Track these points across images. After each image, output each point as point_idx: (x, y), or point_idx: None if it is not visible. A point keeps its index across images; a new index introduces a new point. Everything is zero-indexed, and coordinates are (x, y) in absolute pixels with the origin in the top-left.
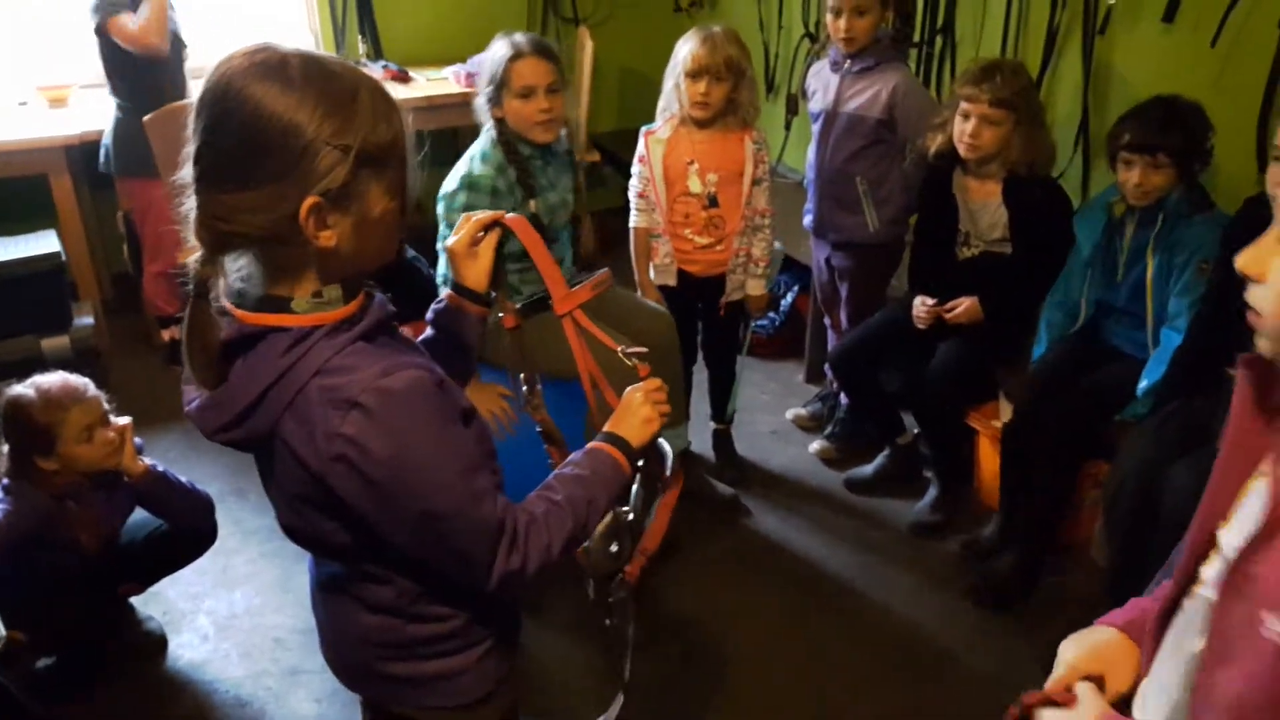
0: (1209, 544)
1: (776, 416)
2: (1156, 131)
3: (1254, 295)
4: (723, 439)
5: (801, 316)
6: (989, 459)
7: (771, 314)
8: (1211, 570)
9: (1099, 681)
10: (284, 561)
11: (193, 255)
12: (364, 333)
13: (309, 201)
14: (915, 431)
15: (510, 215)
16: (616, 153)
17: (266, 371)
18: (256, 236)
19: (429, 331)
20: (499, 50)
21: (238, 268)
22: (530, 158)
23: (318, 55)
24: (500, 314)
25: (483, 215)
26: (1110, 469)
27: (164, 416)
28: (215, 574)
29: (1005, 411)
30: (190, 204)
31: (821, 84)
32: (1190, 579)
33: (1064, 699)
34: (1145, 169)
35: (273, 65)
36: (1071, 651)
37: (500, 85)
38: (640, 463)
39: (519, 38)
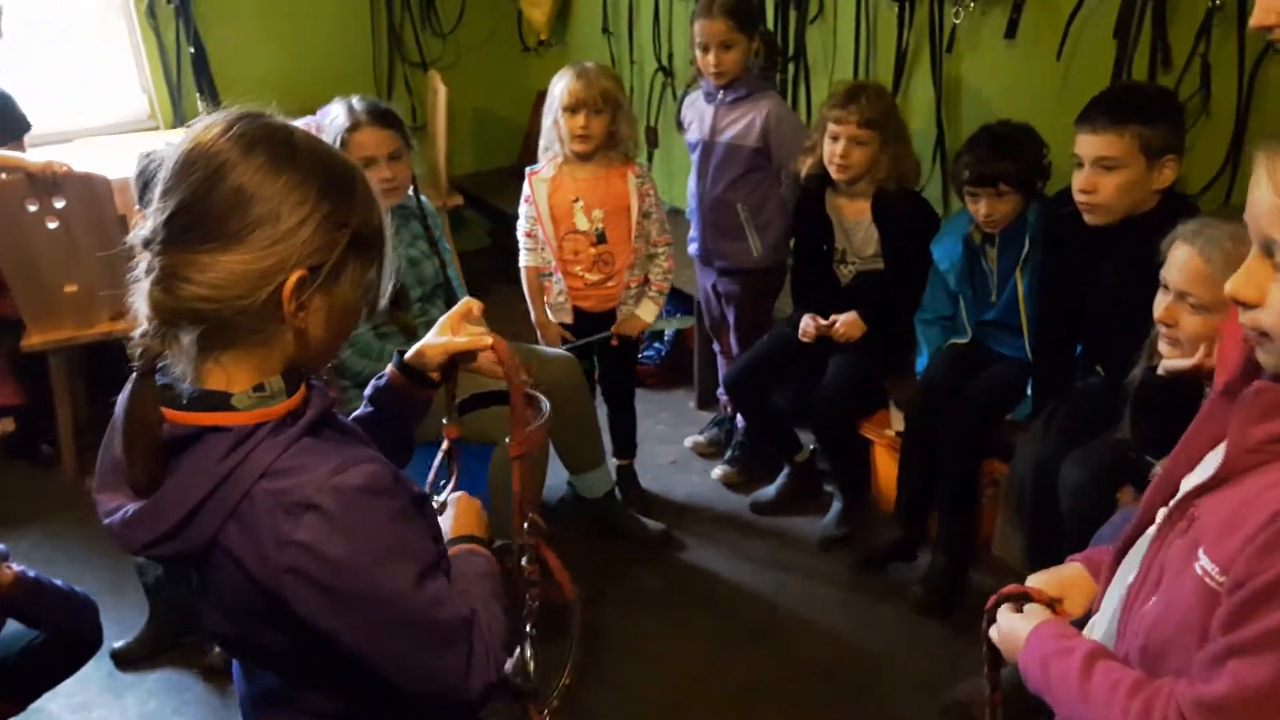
0: (1171, 493)
1: (675, 446)
2: (992, 162)
3: (1253, 318)
4: (626, 474)
5: (687, 345)
6: (885, 467)
7: (657, 344)
8: (1164, 512)
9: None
10: (174, 660)
11: (136, 328)
12: (309, 426)
13: (297, 274)
14: (812, 448)
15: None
16: (478, 195)
17: (205, 477)
18: (223, 306)
19: (365, 409)
20: (338, 119)
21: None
22: None
23: (314, 135)
24: (445, 420)
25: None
26: (1009, 469)
27: (20, 517)
28: (100, 680)
29: (896, 420)
30: (141, 267)
31: (697, 115)
32: (1148, 522)
33: (1035, 594)
34: (990, 199)
35: (276, 132)
36: (1037, 578)
37: None
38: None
39: (357, 105)
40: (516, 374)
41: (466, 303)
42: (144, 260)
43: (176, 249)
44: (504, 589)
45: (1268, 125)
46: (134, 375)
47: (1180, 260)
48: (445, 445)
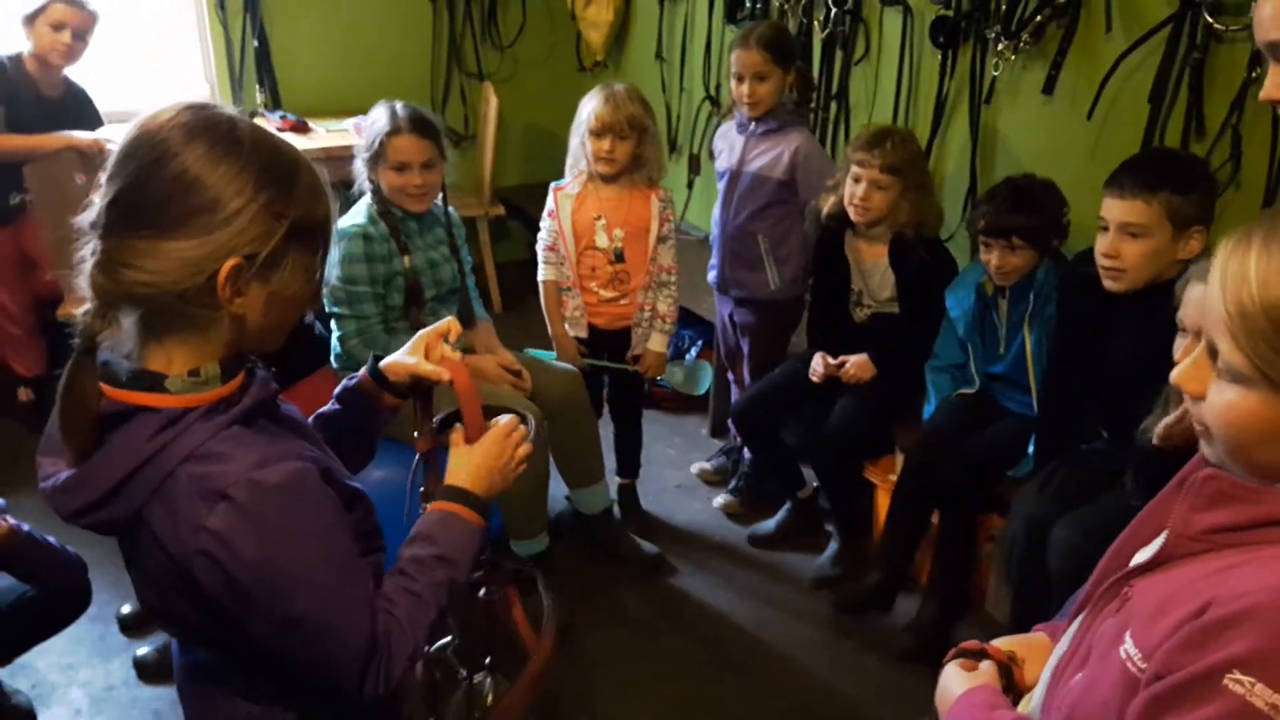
0: (1123, 565)
1: (682, 471)
2: (1008, 214)
3: (1198, 411)
4: (628, 494)
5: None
6: (886, 512)
7: (673, 367)
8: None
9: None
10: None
11: (80, 307)
12: (242, 415)
13: (232, 262)
14: (815, 485)
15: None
16: (521, 206)
17: (133, 454)
18: (160, 291)
19: (333, 405)
20: (379, 121)
21: (107, 340)
22: (403, 219)
23: (260, 127)
24: (415, 433)
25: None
26: (1004, 526)
27: (31, 481)
28: (91, 642)
29: (898, 466)
30: (87, 250)
31: (728, 144)
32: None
33: (992, 651)
34: (1003, 251)
35: (220, 123)
36: (1001, 641)
37: (376, 155)
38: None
39: (400, 110)
40: (474, 404)
41: (447, 323)
42: (89, 243)
43: (117, 234)
44: (469, 565)
45: None
46: (74, 353)
47: (1197, 299)
48: (416, 458)
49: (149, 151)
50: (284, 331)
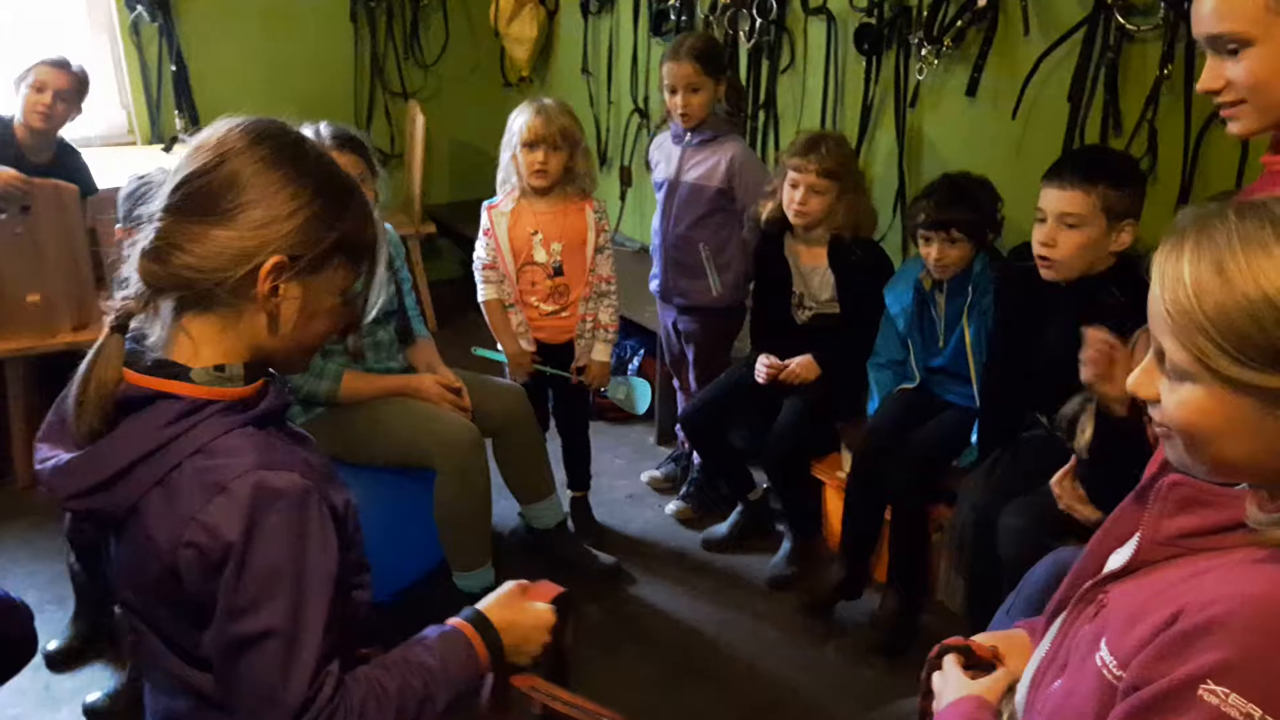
0: (1098, 568)
1: (631, 480)
2: (947, 208)
3: (1156, 414)
4: (580, 506)
5: (648, 379)
6: (836, 508)
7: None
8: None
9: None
10: (117, 674)
11: (124, 290)
12: (258, 418)
13: (276, 258)
14: (765, 487)
15: None
16: (451, 224)
17: (145, 439)
18: (205, 277)
19: None
20: None
21: (134, 326)
22: None
23: (328, 152)
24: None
25: None
26: (952, 515)
27: None
28: (36, 693)
29: (846, 462)
30: (141, 236)
31: (664, 155)
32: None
33: (975, 647)
34: (941, 244)
35: (288, 137)
36: (983, 637)
37: None
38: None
39: (323, 129)
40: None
41: None
42: (144, 232)
43: (174, 218)
44: (448, 696)
45: (1211, 190)
46: (106, 329)
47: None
48: None
49: (218, 146)
50: (309, 352)
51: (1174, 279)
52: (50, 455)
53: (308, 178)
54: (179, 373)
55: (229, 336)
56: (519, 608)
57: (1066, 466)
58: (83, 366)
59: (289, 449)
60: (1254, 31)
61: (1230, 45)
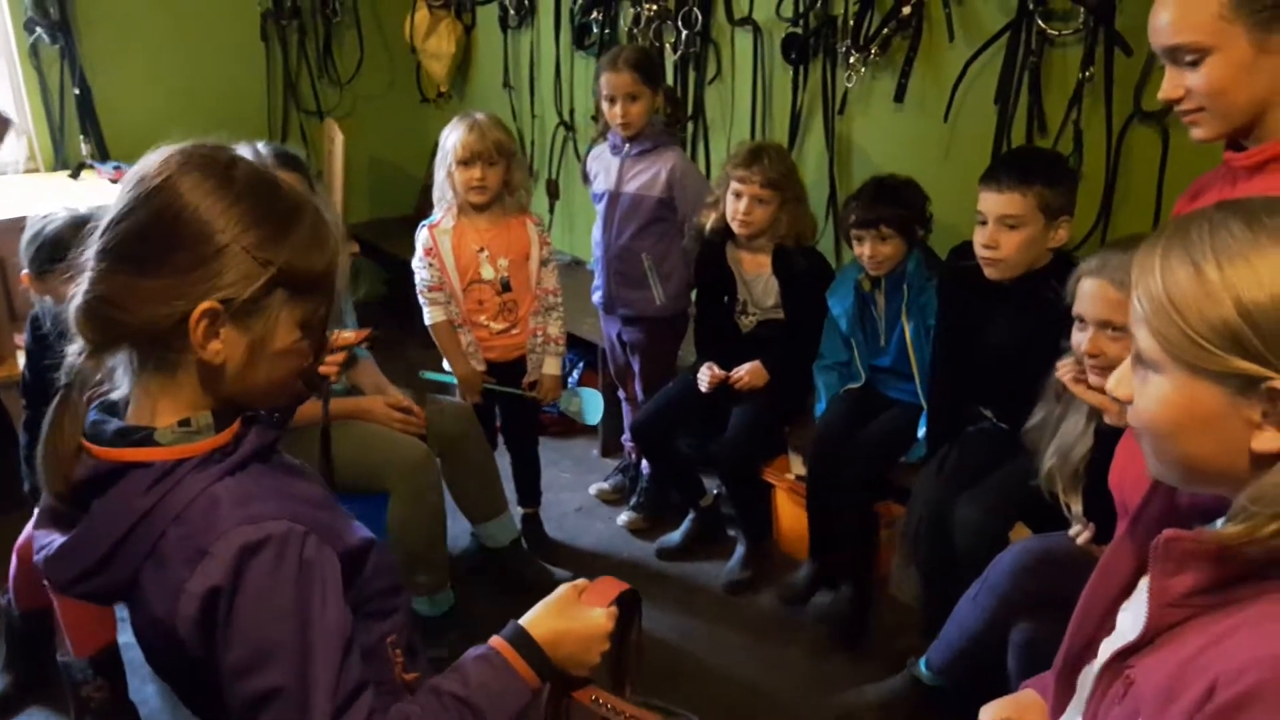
0: (1102, 618)
1: (579, 493)
2: (875, 206)
3: (1130, 415)
4: (532, 522)
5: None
6: (786, 510)
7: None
8: (1108, 649)
9: None
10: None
11: (72, 346)
12: (236, 465)
13: (205, 305)
14: (716, 492)
15: None
16: (373, 243)
17: (126, 513)
18: (134, 331)
19: None
20: None
21: (99, 393)
22: None
23: (268, 170)
24: None
25: None
26: (905, 511)
27: None
28: None
29: (796, 464)
30: (81, 286)
31: (603, 167)
32: (1085, 649)
33: None
34: (874, 242)
35: (218, 162)
36: (991, 711)
37: None
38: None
39: (263, 149)
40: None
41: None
42: (79, 283)
43: (102, 268)
44: None
45: (1134, 186)
46: (59, 391)
47: (1092, 292)
48: None
49: (139, 185)
50: (282, 388)
51: (1145, 271)
52: (47, 541)
53: (239, 206)
54: (143, 437)
55: (185, 389)
56: (573, 615)
57: (1086, 535)
58: (44, 429)
59: (277, 491)
60: (1210, 41)
61: (1189, 56)
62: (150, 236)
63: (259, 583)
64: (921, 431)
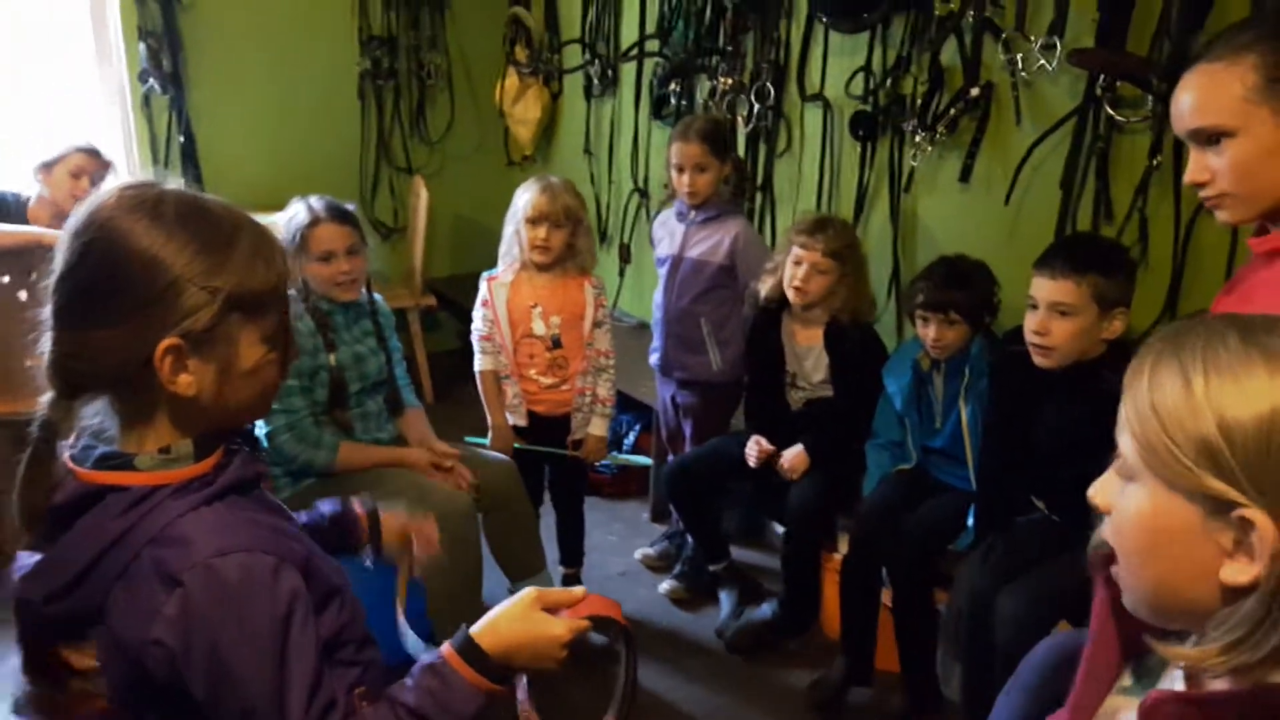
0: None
1: (624, 558)
2: (945, 290)
3: (1106, 530)
4: (571, 583)
5: (644, 454)
6: (831, 592)
7: (615, 452)
8: None
9: None
10: None
11: (43, 397)
12: (215, 495)
13: (166, 343)
14: (725, 564)
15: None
16: (451, 297)
17: (101, 534)
18: (108, 378)
19: (315, 517)
20: (297, 215)
21: (90, 423)
22: (330, 313)
23: (198, 195)
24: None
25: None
26: (949, 599)
27: None
28: None
29: (842, 544)
30: (44, 342)
31: (668, 232)
32: None
33: None
34: (940, 325)
35: (146, 200)
36: None
37: (299, 250)
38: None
39: (315, 203)
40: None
41: None
42: (43, 341)
43: (59, 326)
44: None
45: (1202, 277)
46: (33, 441)
47: None
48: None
49: (75, 238)
50: (264, 401)
51: (1137, 376)
52: (27, 561)
53: (175, 241)
54: (124, 463)
55: (161, 420)
56: (529, 622)
57: None
58: (19, 476)
59: (253, 523)
60: (1234, 123)
61: (1212, 138)
62: (98, 288)
63: (231, 612)
64: (971, 519)
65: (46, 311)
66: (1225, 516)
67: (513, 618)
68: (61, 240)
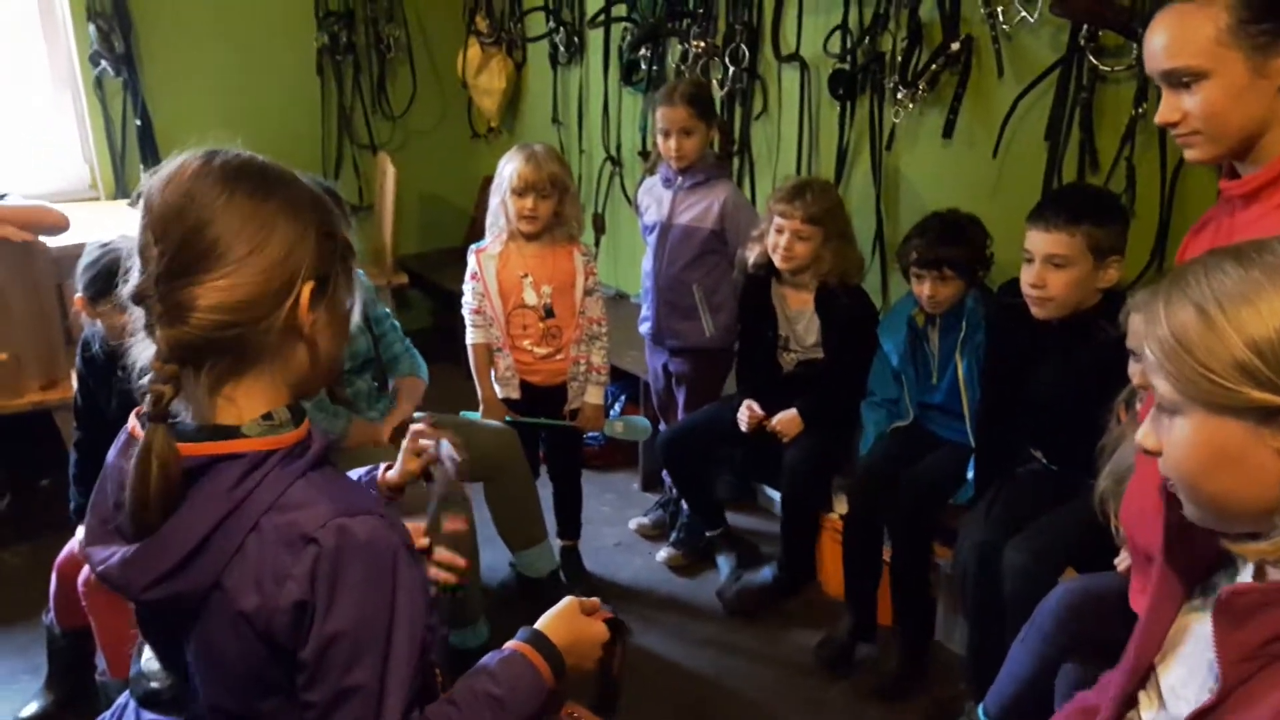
0: (1146, 674)
1: (619, 528)
2: (939, 246)
3: (1161, 466)
4: (570, 556)
5: None
6: (832, 552)
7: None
8: (1150, 715)
9: None
10: None
11: (145, 381)
12: (316, 460)
13: (309, 285)
14: (721, 530)
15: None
16: (421, 274)
17: (214, 508)
18: (243, 328)
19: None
20: None
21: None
22: None
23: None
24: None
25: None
26: (953, 554)
27: None
28: None
29: (840, 504)
30: (142, 318)
31: (654, 199)
32: (1128, 705)
33: None
34: (934, 282)
35: (250, 163)
36: None
37: None
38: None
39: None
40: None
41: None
42: (144, 311)
43: (170, 285)
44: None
45: (1188, 223)
46: (147, 421)
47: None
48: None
49: (193, 202)
50: (342, 359)
51: (1153, 321)
52: (108, 553)
53: (296, 197)
54: (229, 432)
55: (272, 383)
56: (579, 624)
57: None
58: (132, 466)
59: (356, 487)
60: (1206, 64)
61: (1184, 79)
62: (238, 238)
63: (362, 578)
64: (971, 472)
65: (138, 287)
66: (1274, 420)
67: (563, 619)
68: (165, 209)
